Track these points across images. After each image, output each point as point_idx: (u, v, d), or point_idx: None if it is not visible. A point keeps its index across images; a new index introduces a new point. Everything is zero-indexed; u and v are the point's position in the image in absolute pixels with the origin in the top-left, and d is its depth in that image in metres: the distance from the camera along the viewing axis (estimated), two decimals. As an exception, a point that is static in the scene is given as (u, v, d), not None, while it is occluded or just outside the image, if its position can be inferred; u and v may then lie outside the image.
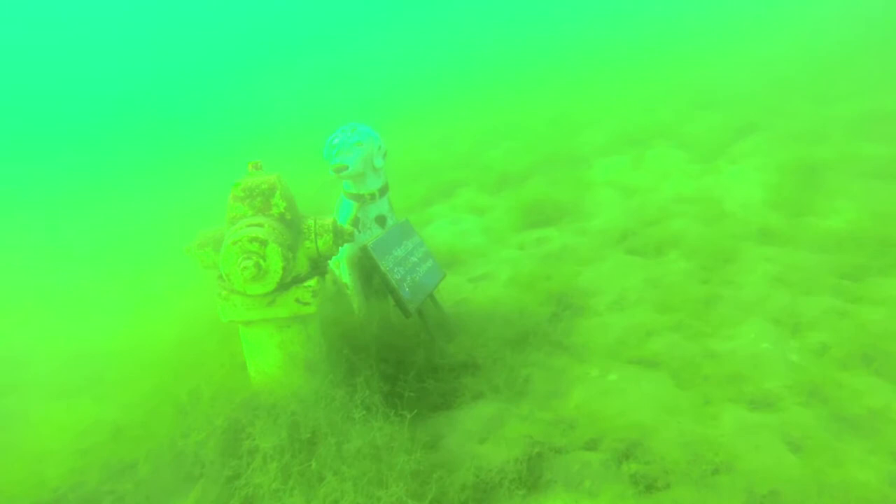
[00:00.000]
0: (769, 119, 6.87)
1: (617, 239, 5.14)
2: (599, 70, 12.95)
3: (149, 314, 3.61)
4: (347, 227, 2.98)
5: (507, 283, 4.57)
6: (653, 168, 6.77)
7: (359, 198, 3.43)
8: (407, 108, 13.91)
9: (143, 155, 13.49)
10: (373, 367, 2.89)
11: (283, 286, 2.73)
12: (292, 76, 19.73)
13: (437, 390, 3.04)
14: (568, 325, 3.77)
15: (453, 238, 5.73)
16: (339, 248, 2.96)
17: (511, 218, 6.11)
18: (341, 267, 3.60)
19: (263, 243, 2.53)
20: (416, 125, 11.80)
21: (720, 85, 8.95)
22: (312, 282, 2.80)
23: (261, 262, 2.52)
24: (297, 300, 2.77)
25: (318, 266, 2.99)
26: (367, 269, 3.00)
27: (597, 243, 5.16)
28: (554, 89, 13.41)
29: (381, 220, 3.53)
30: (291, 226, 2.79)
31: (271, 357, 2.86)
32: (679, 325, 3.52)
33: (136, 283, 4.66)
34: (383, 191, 3.52)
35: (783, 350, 3.06)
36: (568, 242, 5.28)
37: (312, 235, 2.85)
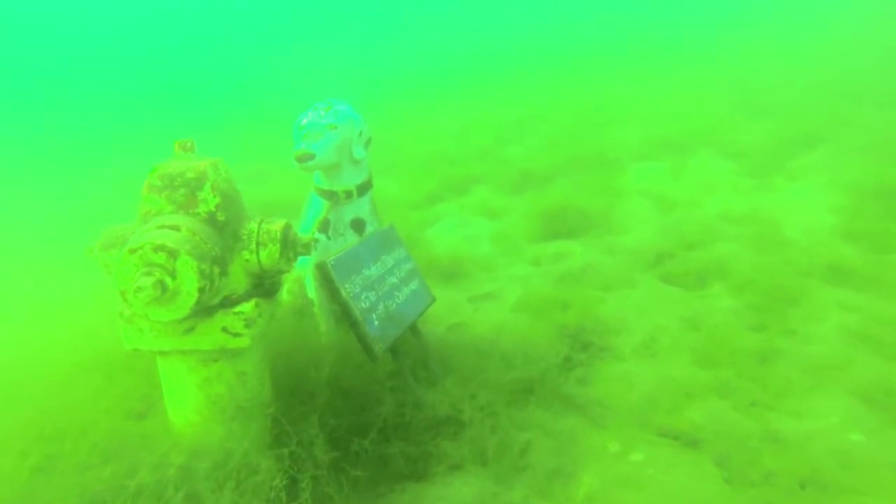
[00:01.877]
0: (834, 130, 5.97)
1: (650, 262, 4.35)
2: (635, 66, 12.00)
3: (44, 327, 2.96)
4: (307, 234, 2.27)
5: (515, 308, 3.82)
6: (695, 179, 5.93)
7: (331, 195, 2.71)
8: (428, 95, 13.16)
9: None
10: (321, 421, 2.19)
11: (206, 310, 2.04)
12: (313, 56, 19.05)
13: (405, 455, 2.33)
14: (584, 372, 3.01)
15: (458, 244, 4.98)
16: (290, 262, 2.25)
17: (528, 225, 5.35)
18: (307, 280, 2.90)
19: (173, 254, 1.83)
20: (435, 114, 11.04)
21: (772, 87, 8.02)
22: (247, 307, 2.11)
23: (167, 279, 1.83)
24: (225, 329, 2.08)
25: (263, 285, 2.29)
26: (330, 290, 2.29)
27: (626, 265, 4.38)
28: (585, 84, 12.52)
29: (358, 226, 2.81)
30: (225, 230, 2.09)
31: (190, 399, 2.18)
32: (727, 386, 2.75)
33: (39, 284, 4.02)
34: (364, 189, 2.80)
35: (885, 446, 2.27)
36: (592, 261, 4.50)
37: (253, 245, 2.15)
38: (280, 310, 3.00)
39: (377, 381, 2.51)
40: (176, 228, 1.91)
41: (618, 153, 7.37)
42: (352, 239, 2.77)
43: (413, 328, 2.67)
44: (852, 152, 5.29)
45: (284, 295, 3.36)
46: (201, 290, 1.87)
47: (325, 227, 2.76)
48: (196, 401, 2.17)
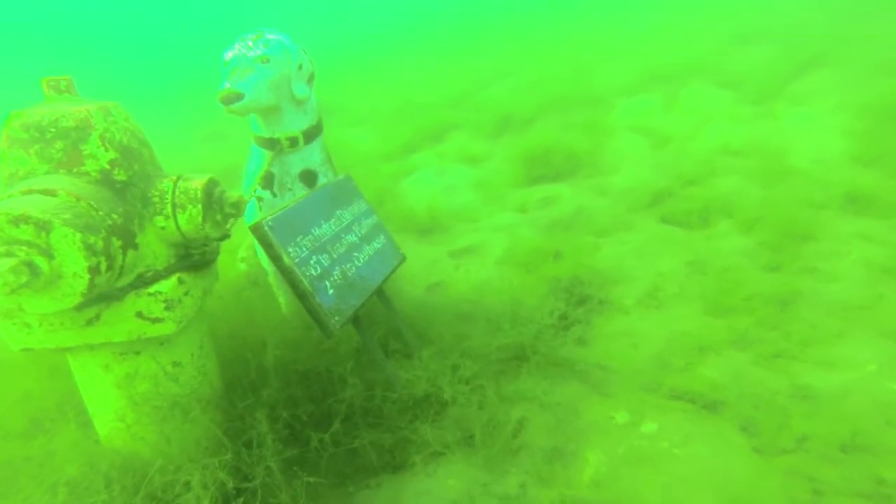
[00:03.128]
0: (839, 49, 5.50)
1: (647, 202, 3.97)
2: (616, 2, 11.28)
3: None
4: (247, 191, 1.84)
5: (501, 261, 3.44)
6: (689, 110, 5.48)
7: (273, 144, 2.26)
8: (401, 45, 12.37)
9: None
10: (272, 414, 1.83)
11: (112, 293, 1.63)
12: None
13: (377, 444, 1.99)
14: (582, 331, 2.66)
15: (436, 195, 4.55)
16: (220, 227, 1.82)
17: (511, 170, 4.91)
18: (258, 247, 2.48)
19: (43, 227, 1.39)
20: (409, 64, 10.36)
21: (767, 10, 7.46)
22: (166, 284, 1.70)
23: (38, 260, 1.40)
24: (140, 315, 1.67)
25: (191, 256, 1.87)
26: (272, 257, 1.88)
27: (621, 207, 4.00)
28: (566, 18, 11.81)
29: (308, 178, 2.37)
30: (128, 192, 1.65)
31: (110, 402, 1.80)
32: (745, 337, 2.42)
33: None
34: (311, 134, 2.34)
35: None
36: (583, 204, 4.11)
37: (168, 208, 1.72)
38: (225, 282, 2.60)
39: (341, 359, 2.14)
40: (50, 193, 1.47)
41: (603, 90, 6.87)
42: (302, 194, 2.33)
43: (379, 293, 2.27)
44: (861, 71, 4.86)
45: (239, 264, 2.95)
46: (93, 271, 1.45)
47: (268, 181, 2.31)
48: (117, 403, 1.78)
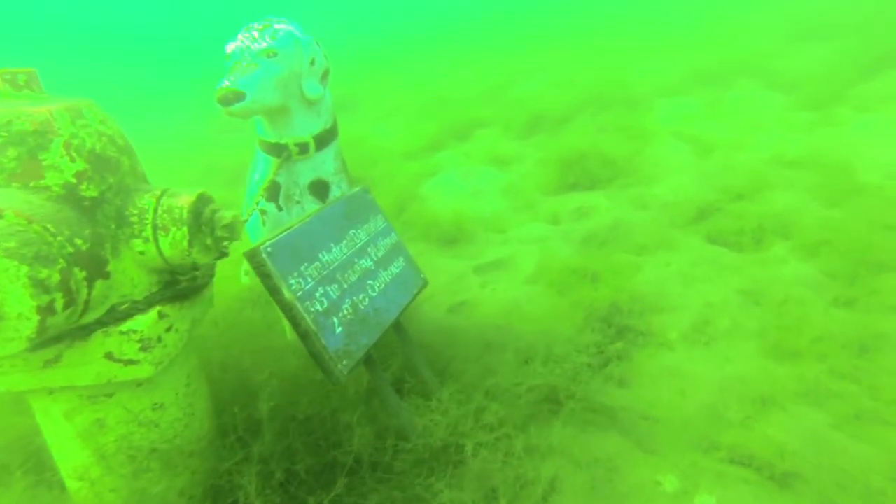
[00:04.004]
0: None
1: (692, 217, 3.61)
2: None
3: None
4: (232, 212, 1.57)
5: (531, 280, 3.14)
6: (737, 115, 5.07)
7: (280, 150, 1.98)
8: (430, 40, 12.05)
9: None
10: (263, 471, 1.57)
11: (72, 334, 1.38)
12: None
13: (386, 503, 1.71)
14: (622, 370, 2.35)
15: (462, 200, 4.25)
16: (210, 252, 1.56)
17: (543, 175, 4.58)
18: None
19: (-16, 258, 1.14)
20: (438, 59, 10.04)
21: (829, 6, 6.92)
22: (143, 321, 1.44)
23: (-24, 299, 1.15)
24: (110, 356, 1.42)
25: (177, 283, 1.61)
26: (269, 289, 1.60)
27: (662, 221, 3.65)
28: (603, 11, 11.35)
29: (319, 189, 2.09)
30: (98, 211, 1.39)
31: (72, 455, 1.55)
32: (817, 390, 2.07)
33: None
34: (325, 139, 2.06)
35: None
36: (621, 217, 3.76)
37: (149, 230, 1.46)
38: (224, 298, 2.35)
39: (348, 403, 1.87)
40: (-2, 214, 1.21)
41: (642, 90, 6.47)
42: (311, 208, 2.06)
43: (396, 325, 1.99)
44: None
45: (243, 278, 2.70)
46: (44, 311, 1.19)
47: (273, 192, 2.04)
48: (80, 456, 1.54)
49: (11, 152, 1.29)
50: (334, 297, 1.65)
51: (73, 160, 1.32)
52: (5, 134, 1.28)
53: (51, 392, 1.45)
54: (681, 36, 8.21)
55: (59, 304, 1.22)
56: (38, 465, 1.74)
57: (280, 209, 2.05)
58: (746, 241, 3.16)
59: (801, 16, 6.92)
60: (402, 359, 2.18)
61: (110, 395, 1.51)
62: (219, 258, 1.71)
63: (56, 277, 1.21)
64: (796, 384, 2.10)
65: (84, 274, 1.30)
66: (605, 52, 8.49)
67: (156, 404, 1.59)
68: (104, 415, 1.51)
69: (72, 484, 1.55)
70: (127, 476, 1.55)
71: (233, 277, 2.65)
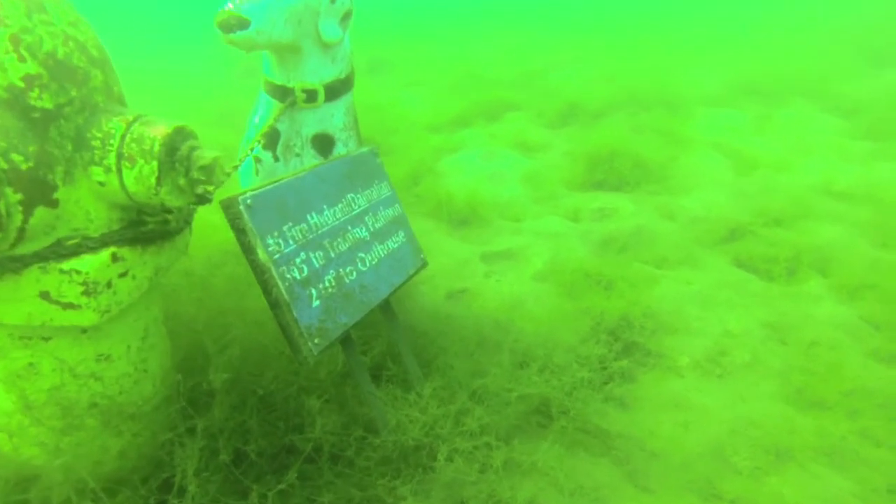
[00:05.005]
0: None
1: (721, 236, 3.36)
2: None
3: None
4: (214, 153, 1.36)
5: (540, 277, 2.92)
6: (786, 135, 4.75)
7: (285, 94, 1.76)
8: (472, 10, 11.64)
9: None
10: (209, 446, 1.39)
11: (9, 260, 1.19)
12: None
13: (341, 500, 1.53)
14: (624, 390, 2.14)
15: (480, 181, 4.01)
16: (183, 195, 1.36)
17: (570, 168, 4.33)
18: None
19: None
20: (476, 32, 9.68)
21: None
22: (91, 261, 1.25)
23: None
24: (46, 296, 1.23)
25: (144, 223, 1.42)
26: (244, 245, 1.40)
27: (688, 236, 3.40)
28: (652, 8, 10.88)
29: (322, 144, 1.87)
30: (50, 126, 1.19)
31: None
32: (843, 451, 1.85)
33: None
34: (337, 90, 1.84)
35: None
36: (645, 224, 3.52)
37: (112, 158, 1.26)
38: (204, 249, 2.15)
39: (317, 384, 1.68)
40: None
41: (684, 95, 6.13)
42: (312, 163, 1.85)
43: (384, 306, 1.79)
44: None
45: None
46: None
47: (272, 140, 1.83)
48: (3, 403, 1.36)
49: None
50: (317, 265, 1.45)
51: (22, 59, 1.12)
52: (-60, 16, 1.07)
53: (-26, 325, 1.27)
54: (734, 44, 7.79)
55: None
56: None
57: (276, 160, 1.84)
58: (778, 271, 2.91)
59: (872, 40, 6.50)
60: (386, 343, 1.98)
61: (47, 339, 1.33)
62: (198, 203, 1.51)
63: (-20, 196, 1.01)
64: (819, 440, 1.88)
65: (20, 197, 1.11)
66: (649, 51, 8.10)
67: (101, 355, 1.42)
68: (38, 359, 1.33)
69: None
70: (56, 430, 1.38)
71: (220, 225, 2.46)
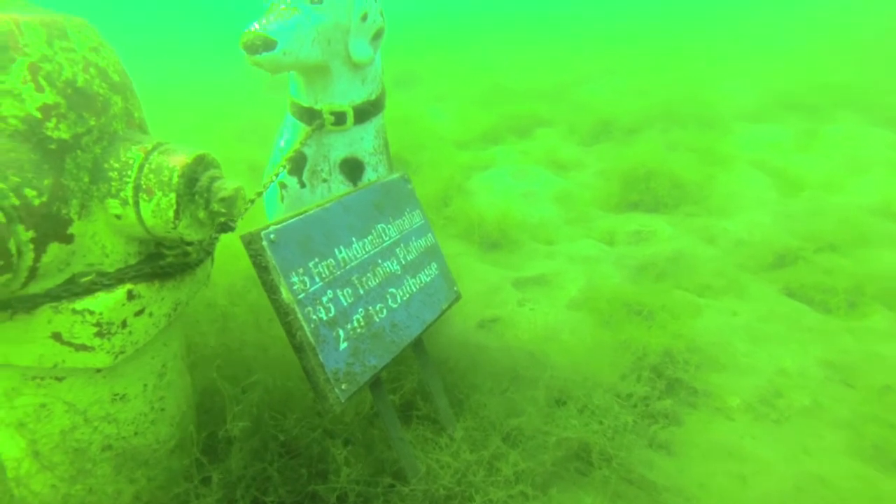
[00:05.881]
0: None
1: (768, 262, 3.16)
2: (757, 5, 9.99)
3: None
4: (235, 184, 1.28)
5: (575, 305, 2.78)
6: (834, 152, 4.51)
7: (311, 116, 1.68)
8: (500, 21, 11.60)
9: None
10: (231, 494, 1.29)
11: (11, 304, 1.11)
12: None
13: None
14: (669, 434, 1.98)
15: (511, 201, 3.89)
16: (203, 228, 1.27)
17: (604, 187, 4.18)
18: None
19: None
20: (505, 42, 9.62)
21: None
22: (105, 301, 1.17)
23: None
24: (58, 337, 1.15)
25: (163, 256, 1.34)
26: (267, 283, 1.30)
27: (732, 261, 3.21)
28: (686, 17, 10.66)
29: (351, 169, 1.78)
30: (67, 158, 1.12)
31: (5, 442, 1.30)
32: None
33: None
34: (366, 112, 1.74)
35: None
36: (684, 248, 3.34)
37: (129, 190, 1.18)
38: (226, 275, 2.08)
39: (343, 426, 1.57)
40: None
41: (721, 110, 5.92)
42: (340, 190, 1.76)
43: (416, 343, 1.67)
44: None
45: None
46: (-33, 276, 0.92)
47: (298, 165, 1.74)
48: (12, 448, 1.28)
49: (-40, 68, 1.02)
50: (345, 304, 1.35)
51: (40, 89, 1.05)
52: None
53: (-16, 365, 1.20)
54: (773, 56, 7.54)
55: (-14, 269, 0.95)
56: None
57: (303, 185, 1.75)
58: (837, 303, 2.70)
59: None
60: (416, 380, 1.87)
61: (60, 379, 1.25)
62: (220, 232, 1.43)
63: (-9, 236, 0.93)
64: None
65: (32, 234, 1.03)
66: (681, 62, 7.91)
67: (117, 395, 1.33)
68: (50, 401, 1.25)
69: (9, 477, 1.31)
70: (67, 476, 1.29)
71: (242, 251, 2.38)
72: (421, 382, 1.88)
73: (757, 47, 8.11)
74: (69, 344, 1.15)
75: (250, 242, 1.22)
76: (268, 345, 1.76)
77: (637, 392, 2.11)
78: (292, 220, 1.29)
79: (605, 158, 4.81)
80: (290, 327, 1.23)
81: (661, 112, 5.74)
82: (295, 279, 1.24)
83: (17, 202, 0.99)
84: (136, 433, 1.39)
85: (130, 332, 1.23)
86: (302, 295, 1.25)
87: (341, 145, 1.73)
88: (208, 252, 1.50)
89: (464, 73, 7.93)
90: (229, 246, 2.13)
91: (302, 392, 1.58)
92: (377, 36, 1.69)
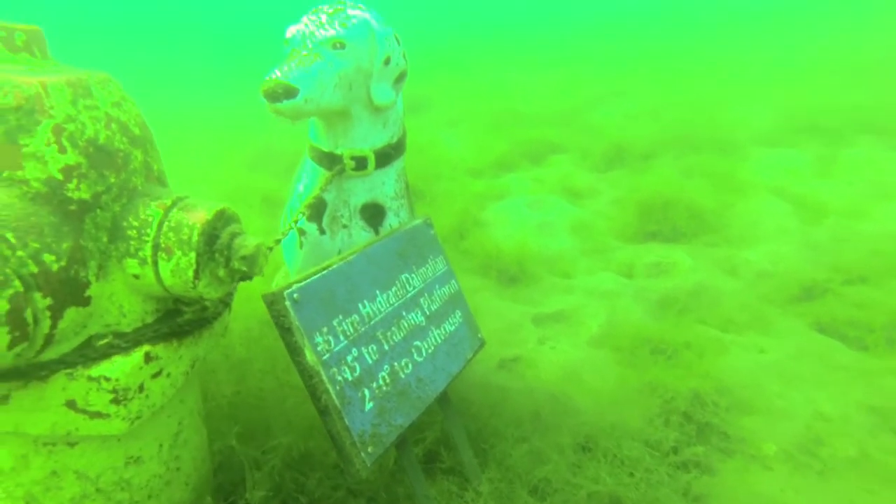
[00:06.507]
0: None
1: (794, 295, 3.07)
2: (765, 18, 9.98)
3: None
4: (256, 241, 1.23)
5: (596, 342, 2.70)
6: (857, 178, 4.44)
7: (332, 161, 1.64)
8: (506, 47, 11.70)
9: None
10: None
11: (25, 372, 1.07)
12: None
13: None
14: (703, 485, 1.89)
15: (527, 232, 3.84)
16: (222, 286, 1.23)
17: (620, 217, 4.11)
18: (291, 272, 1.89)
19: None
20: (514, 65, 9.68)
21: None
22: (121, 366, 1.12)
23: None
24: (72, 405, 1.10)
25: (180, 313, 1.29)
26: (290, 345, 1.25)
27: (755, 294, 3.13)
28: (698, 36, 10.68)
29: (372, 214, 1.74)
30: (86, 218, 1.08)
31: None
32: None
33: None
34: (387, 155, 1.71)
35: None
36: (705, 280, 3.26)
37: (148, 250, 1.14)
38: (242, 318, 2.03)
39: (366, 486, 1.50)
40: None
41: (737, 133, 5.87)
42: (361, 236, 1.71)
43: (441, 395, 1.61)
44: None
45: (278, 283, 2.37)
46: (-19, 350, 0.87)
47: (317, 212, 1.70)
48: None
49: (-17, 131, 0.99)
50: (370, 361, 1.29)
51: (62, 151, 1.02)
52: (-20, 107, 0.98)
53: (-4, 434, 1.15)
54: (787, 78, 7.50)
55: (3, 341, 0.91)
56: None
57: (322, 232, 1.71)
58: (874, 340, 2.60)
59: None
60: (439, 430, 1.80)
61: (73, 445, 1.19)
62: (240, 280, 1.38)
63: (3, 307, 0.89)
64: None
65: (49, 301, 0.99)
66: (694, 84, 7.89)
67: (131, 458, 1.27)
68: (61, 468, 1.20)
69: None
70: (78, 546, 1.23)
71: (256, 294, 2.34)
72: (444, 432, 1.81)
73: (770, 68, 8.09)
74: (84, 412, 1.10)
75: (273, 303, 1.17)
76: (286, 395, 1.70)
77: (667, 438, 2.02)
78: (315, 277, 1.24)
79: (619, 186, 4.75)
80: (314, 390, 1.17)
81: (675, 136, 5.69)
82: (319, 339, 1.19)
83: (35, 269, 0.95)
84: (149, 496, 1.33)
85: (147, 396, 1.18)
86: (326, 356, 1.19)
87: (362, 190, 1.69)
88: (226, 304, 1.46)
89: (474, 95, 7.95)
90: (243, 288, 2.09)
91: (323, 450, 1.51)
92: (400, 79, 1.66)
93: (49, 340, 1.03)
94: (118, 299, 1.16)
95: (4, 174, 1.00)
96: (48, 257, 0.99)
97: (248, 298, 2.13)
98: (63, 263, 1.02)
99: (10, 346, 0.92)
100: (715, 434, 2.15)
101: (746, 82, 7.58)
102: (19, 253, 0.94)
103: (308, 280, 1.23)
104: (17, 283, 0.92)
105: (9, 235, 0.93)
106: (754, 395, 2.34)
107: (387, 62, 1.58)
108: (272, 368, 1.85)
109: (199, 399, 1.52)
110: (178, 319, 1.27)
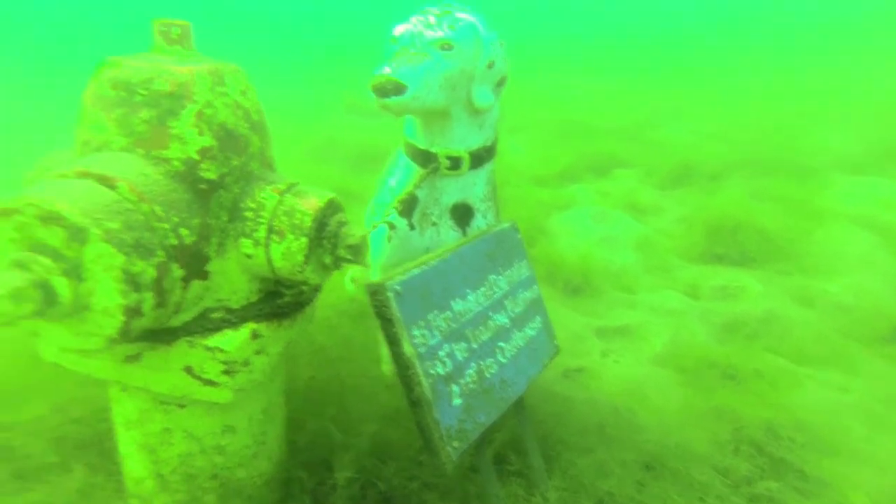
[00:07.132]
0: None
1: (882, 333, 2.91)
2: (853, 36, 9.49)
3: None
4: (362, 231, 1.29)
5: (660, 360, 2.65)
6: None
7: (428, 159, 1.69)
8: (574, 53, 11.58)
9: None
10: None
11: (157, 335, 1.15)
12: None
13: None
14: (777, 523, 1.81)
15: (591, 244, 3.80)
16: (326, 272, 1.28)
17: (686, 236, 4.01)
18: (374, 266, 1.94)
19: (77, 236, 0.91)
20: (580, 76, 9.58)
21: None
22: (233, 340, 1.19)
23: (58, 283, 0.93)
24: (190, 371, 1.18)
25: (281, 295, 1.36)
26: (387, 331, 1.29)
27: (834, 327, 2.98)
28: (776, 55, 10.27)
29: (461, 214, 1.77)
30: (211, 197, 1.15)
31: (133, 462, 1.34)
32: None
33: None
34: (481, 157, 1.74)
35: None
36: (776, 309, 3.13)
37: (262, 231, 1.20)
38: (321, 307, 2.09)
39: (441, 481, 1.53)
40: (108, 183, 0.99)
41: (816, 159, 5.61)
42: (449, 235, 1.75)
43: (518, 400, 1.61)
44: None
45: (348, 284, 2.45)
46: (130, 312, 0.95)
47: (408, 207, 1.75)
48: (139, 468, 1.31)
49: (144, 114, 1.08)
50: (460, 358, 1.32)
51: (201, 133, 1.09)
52: (144, 92, 1.07)
53: (125, 388, 1.24)
54: (880, 102, 7.11)
55: (148, 304, 0.99)
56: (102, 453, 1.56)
57: (412, 228, 1.76)
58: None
59: None
60: (509, 432, 1.81)
61: (183, 406, 1.27)
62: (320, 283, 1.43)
63: (151, 274, 0.97)
64: None
65: (182, 273, 1.06)
66: (769, 104, 7.59)
67: (227, 427, 1.35)
68: (173, 425, 1.28)
69: (132, 484, 1.34)
70: (180, 501, 1.31)
71: (335, 284, 2.41)
72: (513, 435, 1.82)
73: (858, 92, 7.70)
74: (199, 378, 1.18)
75: (375, 293, 1.21)
76: (362, 385, 1.76)
77: (737, 468, 1.96)
78: (415, 272, 1.28)
79: (685, 204, 4.63)
80: (408, 381, 1.21)
81: (746, 157, 5.50)
82: (416, 332, 1.23)
83: (175, 242, 1.03)
84: (239, 465, 1.40)
85: (251, 371, 1.24)
86: (422, 349, 1.23)
87: (454, 190, 1.73)
88: (317, 290, 1.52)
89: (536, 102, 7.91)
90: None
91: (402, 441, 1.55)
92: (500, 83, 1.69)
93: (177, 309, 1.11)
94: (230, 276, 1.24)
95: (153, 153, 1.08)
96: (184, 231, 1.06)
97: (326, 289, 2.20)
98: (195, 238, 1.09)
99: (153, 309, 1.00)
100: (790, 471, 2.05)
101: (831, 106, 7.23)
102: (164, 225, 1.01)
103: (409, 274, 1.27)
104: (161, 253, 1.00)
105: (157, 209, 1.01)
106: (837, 437, 2.23)
107: (490, 66, 1.61)
108: (348, 356, 1.91)
109: (284, 380, 1.59)
110: (278, 301, 1.34)
